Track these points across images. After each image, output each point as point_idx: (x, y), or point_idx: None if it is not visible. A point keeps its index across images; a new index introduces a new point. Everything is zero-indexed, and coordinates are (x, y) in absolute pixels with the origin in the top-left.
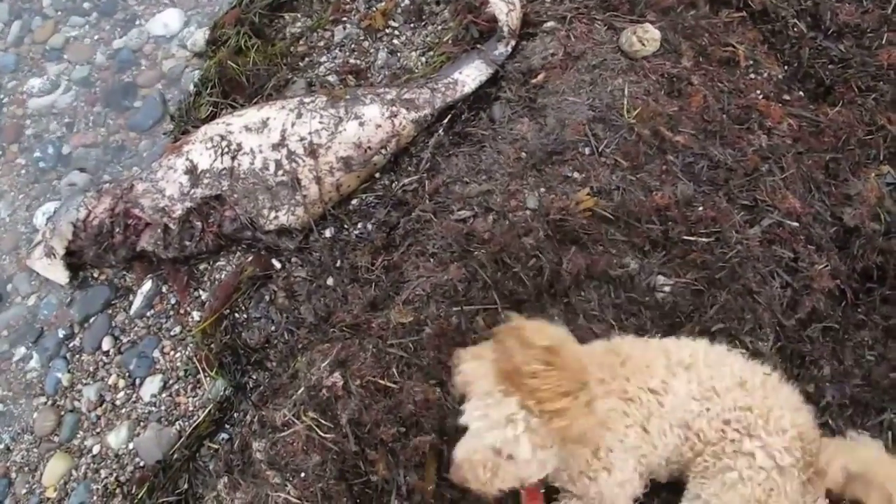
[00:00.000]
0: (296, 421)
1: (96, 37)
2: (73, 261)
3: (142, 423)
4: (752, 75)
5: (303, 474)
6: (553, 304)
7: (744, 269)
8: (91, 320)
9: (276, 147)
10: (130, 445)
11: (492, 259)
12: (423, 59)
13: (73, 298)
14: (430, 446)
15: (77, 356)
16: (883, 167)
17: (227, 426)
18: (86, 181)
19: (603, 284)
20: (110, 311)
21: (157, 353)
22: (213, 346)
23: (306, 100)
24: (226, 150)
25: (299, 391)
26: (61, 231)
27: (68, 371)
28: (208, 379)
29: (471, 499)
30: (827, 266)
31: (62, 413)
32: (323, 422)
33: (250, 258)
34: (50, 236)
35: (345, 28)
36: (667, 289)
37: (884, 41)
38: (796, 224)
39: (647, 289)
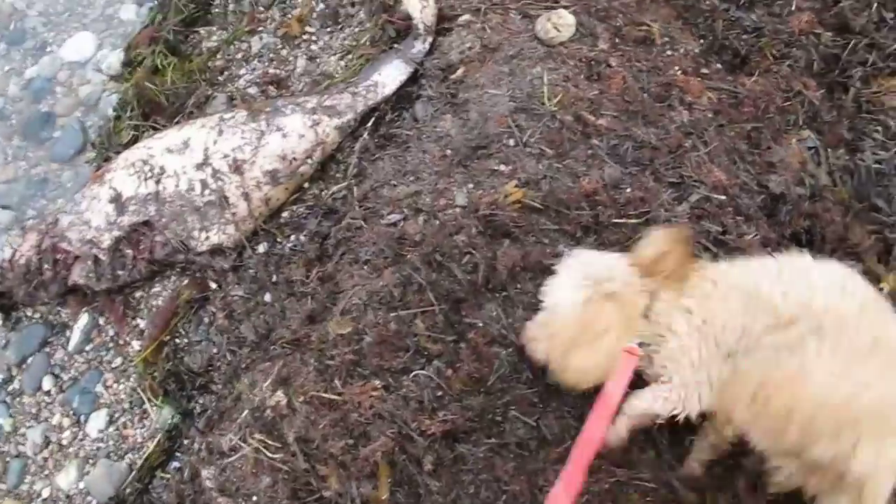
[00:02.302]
0: (242, 444)
1: (7, 67)
2: (4, 302)
3: (91, 461)
4: (669, 52)
5: (255, 498)
6: (491, 298)
7: None
8: (28, 361)
9: (199, 167)
10: (81, 485)
11: (425, 261)
12: (343, 62)
13: (8, 340)
14: (381, 454)
15: (17, 399)
16: (803, 132)
17: (177, 454)
18: (10, 219)
19: (539, 275)
20: (48, 350)
21: (100, 388)
22: (156, 374)
23: (226, 116)
24: (149, 174)
25: (244, 414)
26: None
27: (10, 415)
28: (154, 408)
29: None
30: (756, 235)
31: (7, 459)
32: (270, 442)
33: (186, 281)
34: None
35: (261, 38)
36: None
37: (793, 7)
38: (724, 197)
39: None
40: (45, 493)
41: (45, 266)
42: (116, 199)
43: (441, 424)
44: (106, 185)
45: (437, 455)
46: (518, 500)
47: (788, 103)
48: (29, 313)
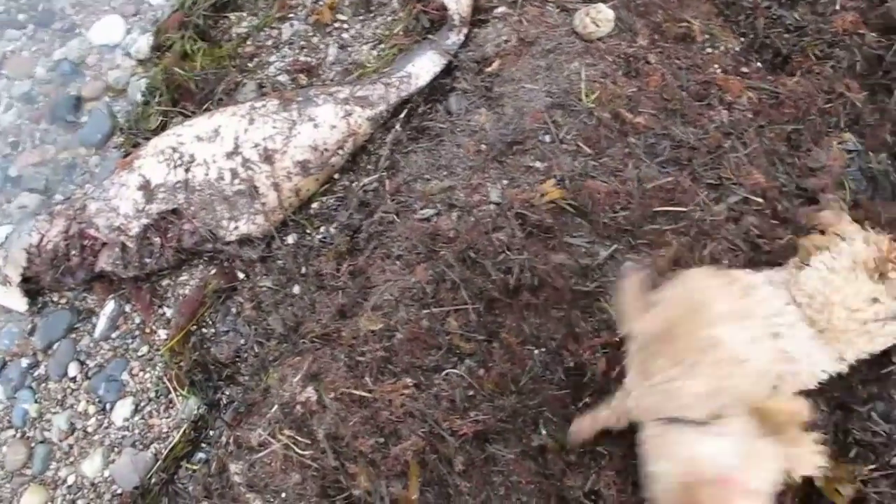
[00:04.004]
0: (272, 440)
1: (35, 49)
2: (31, 287)
3: (116, 449)
4: (709, 49)
5: (283, 495)
6: (526, 299)
7: (713, 248)
8: (55, 347)
9: (230, 155)
10: (106, 473)
11: (459, 258)
12: (375, 52)
13: (35, 325)
14: (411, 454)
15: (43, 385)
16: (844, 135)
17: (203, 446)
18: (37, 203)
19: (574, 276)
20: (74, 336)
21: (125, 376)
22: (182, 363)
23: (257, 104)
24: (178, 162)
25: (273, 409)
26: (15, 258)
27: (35, 401)
28: (180, 398)
29: None
30: (791, 238)
31: (32, 445)
32: (299, 439)
33: (213, 271)
34: (3, 264)
35: (292, 25)
36: None
37: (837, 7)
38: (762, 200)
39: (615, 276)
40: (70, 480)
41: (73, 252)
42: (145, 187)
43: (472, 424)
44: (135, 171)
45: (468, 455)
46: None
47: (830, 105)
48: (55, 299)
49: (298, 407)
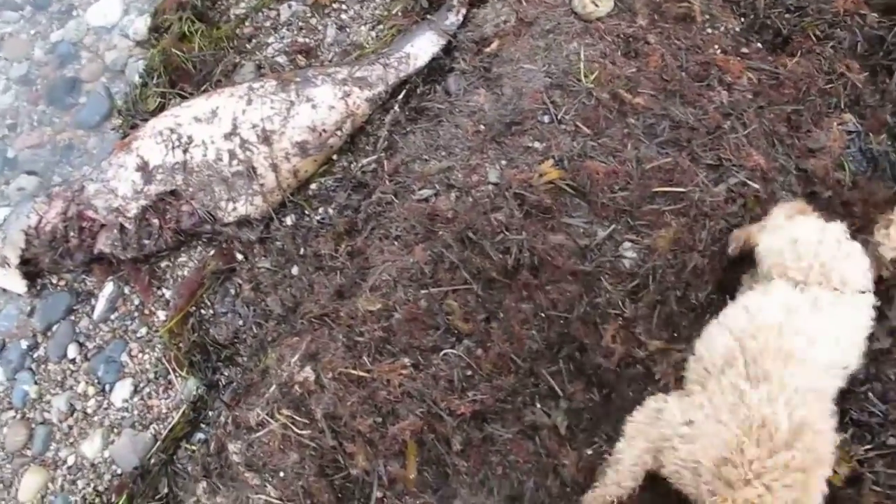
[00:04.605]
0: (270, 420)
1: (33, 31)
2: (30, 269)
3: (115, 430)
4: (709, 30)
5: (282, 474)
6: (524, 279)
7: (710, 229)
8: (54, 328)
9: (228, 136)
10: (106, 453)
11: (457, 238)
12: (374, 33)
13: (34, 307)
14: (409, 433)
15: (43, 366)
16: (845, 115)
17: (202, 426)
18: (35, 185)
19: (572, 255)
20: (73, 318)
21: (124, 357)
22: (181, 345)
23: (255, 85)
24: (177, 143)
25: (271, 389)
26: (13, 240)
27: (35, 382)
28: (179, 379)
29: (453, 484)
30: None
31: (33, 426)
32: (297, 418)
33: (212, 252)
34: (2, 246)
35: (290, 6)
36: (632, 254)
37: None
38: (762, 181)
39: (614, 257)
40: (70, 461)
41: (71, 234)
42: (143, 168)
43: (470, 404)
44: (133, 153)
45: (465, 435)
46: (546, 482)
47: (830, 86)
48: (54, 281)
49: (297, 387)
